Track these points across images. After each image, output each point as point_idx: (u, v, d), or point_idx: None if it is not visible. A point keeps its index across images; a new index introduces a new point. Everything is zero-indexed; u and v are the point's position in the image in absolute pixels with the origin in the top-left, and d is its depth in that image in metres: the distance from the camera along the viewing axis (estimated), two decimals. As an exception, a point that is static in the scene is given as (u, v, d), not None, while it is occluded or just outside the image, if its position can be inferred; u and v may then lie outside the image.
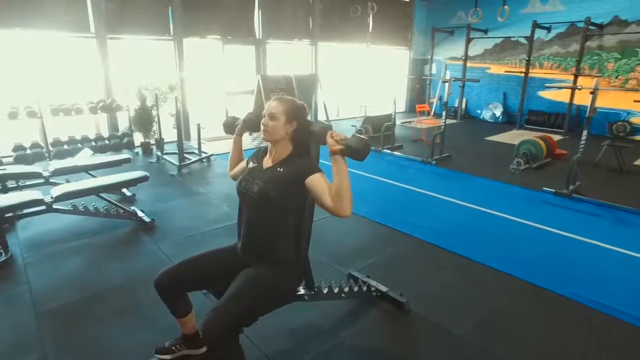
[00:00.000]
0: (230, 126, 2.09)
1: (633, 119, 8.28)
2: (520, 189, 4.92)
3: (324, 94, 8.54)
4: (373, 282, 2.61)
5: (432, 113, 8.76)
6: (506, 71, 9.56)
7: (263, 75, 7.27)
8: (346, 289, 2.40)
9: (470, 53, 10.21)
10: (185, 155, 5.43)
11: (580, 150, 4.70)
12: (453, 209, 4.22)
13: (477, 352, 2.15)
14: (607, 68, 8.49)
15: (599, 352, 2.19)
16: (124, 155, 4.26)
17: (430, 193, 4.67)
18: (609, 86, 8.41)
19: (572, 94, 8.46)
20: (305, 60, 9.04)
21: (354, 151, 1.51)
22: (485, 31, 9.90)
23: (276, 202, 1.65)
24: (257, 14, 7.53)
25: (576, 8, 8.48)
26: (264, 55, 7.79)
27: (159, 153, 5.63)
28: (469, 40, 9.88)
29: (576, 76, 8.42)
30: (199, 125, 5.58)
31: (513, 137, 8.11)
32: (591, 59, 8.58)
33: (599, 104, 8.39)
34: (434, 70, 11.16)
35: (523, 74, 9.07)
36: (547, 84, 8.00)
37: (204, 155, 5.65)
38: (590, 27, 8.16)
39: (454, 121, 9.68)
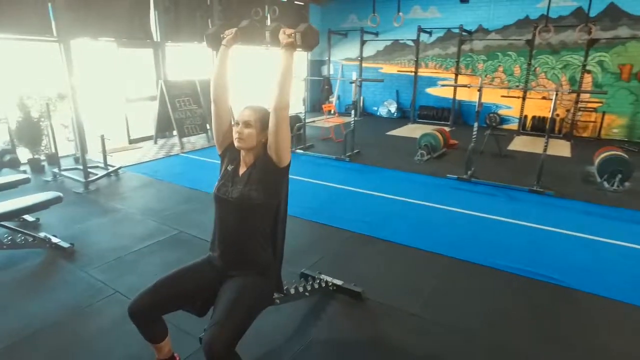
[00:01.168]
0: (215, 38, 1.86)
1: (501, 111, 9.75)
2: (428, 177, 5.49)
3: (232, 97, 8.40)
4: (328, 278, 2.73)
5: (336, 112, 9.20)
6: (399, 70, 10.47)
7: (166, 81, 6.87)
8: (309, 287, 2.48)
9: (364, 54, 10.94)
10: (89, 170, 4.91)
11: (474, 140, 5.43)
12: (375, 201, 4.55)
13: (434, 325, 2.42)
14: (478, 68, 9.84)
15: (517, 304, 2.64)
16: (21, 175, 3.69)
17: (351, 188, 4.96)
18: (481, 83, 9.75)
19: (455, 91, 9.62)
20: (209, 63, 8.77)
21: (305, 35, 1.57)
22: (377, 34, 10.69)
23: (258, 203, 1.67)
24: (153, 15, 7.07)
25: (451, 16, 9.65)
26: (164, 59, 7.36)
27: (56, 170, 4.99)
28: (363, 43, 10.56)
29: (457, 75, 9.60)
30: (102, 136, 5.08)
31: (410, 130, 8.95)
32: (466, 60, 9.85)
33: (474, 98, 9.68)
34: (331, 71, 11.70)
35: (413, 73, 10.04)
36: (441, 82, 9.01)
37: (111, 168, 5.17)
38: (463, 33, 9.38)
39: (355, 118, 10.28)
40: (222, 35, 1.82)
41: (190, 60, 8.36)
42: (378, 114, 11.30)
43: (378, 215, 4.11)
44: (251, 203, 1.66)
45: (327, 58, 11.56)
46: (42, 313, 2.47)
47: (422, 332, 2.36)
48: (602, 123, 8.82)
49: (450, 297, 2.74)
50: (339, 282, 2.70)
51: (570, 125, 8.83)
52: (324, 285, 2.66)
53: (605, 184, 5.21)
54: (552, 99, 4.86)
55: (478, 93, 5.45)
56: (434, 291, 2.80)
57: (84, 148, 5.05)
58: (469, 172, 5.32)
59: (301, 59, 11.63)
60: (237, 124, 1.71)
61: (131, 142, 6.87)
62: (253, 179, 1.70)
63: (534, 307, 2.65)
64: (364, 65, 11.02)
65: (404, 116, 10.91)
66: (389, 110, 11.10)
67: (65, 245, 3.18)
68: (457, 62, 9.61)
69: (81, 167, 4.77)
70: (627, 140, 8.48)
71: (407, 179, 5.44)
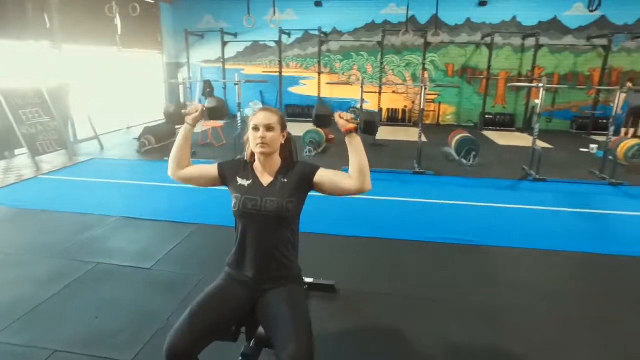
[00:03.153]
0: (175, 115, 1.76)
1: (359, 105, 10.77)
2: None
3: (87, 106, 7.23)
4: (299, 278, 2.70)
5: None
6: (264, 71, 10.56)
7: (4, 89, 5.52)
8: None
9: (224, 55, 10.70)
10: None
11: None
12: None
13: (405, 299, 2.65)
14: (336, 66, 10.67)
15: (447, 267, 3.09)
16: None
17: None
18: (339, 80, 10.60)
19: (319, 88, 10.22)
20: (53, 67, 7.34)
21: (369, 123, 1.62)
22: (235, 35, 10.57)
23: (292, 214, 1.61)
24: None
25: (306, 18, 10.20)
26: (-11, 61, 5.90)
27: None
28: (224, 44, 10.31)
29: (319, 74, 10.21)
30: None
31: (285, 129, 9.19)
32: (324, 60, 10.55)
33: (335, 95, 10.48)
34: (190, 73, 11.09)
35: (277, 73, 10.27)
36: (327, 82, 9.47)
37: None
38: (321, 34, 10.03)
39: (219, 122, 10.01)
40: (183, 111, 1.74)
41: (29, 63, 6.89)
42: (244, 115, 11.19)
43: (306, 212, 4.16)
44: (288, 214, 1.58)
45: (184, 60, 10.92)
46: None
47: (399, 306, 2.57)
48: (439, 111, 10.58)
49: (405, 272, 3.02)
50: (309, 280, 2.70)
51: (418, 114, 10.35)
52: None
53: (464, 161, 6.34)
54: (401, 93, 5.71)
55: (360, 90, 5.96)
56: (392, 269, 3.05)
57: None
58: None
59: (157, 61, 10.72)
60: (257, 128, 1.59)
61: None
62: (287, 190, 1.60)
63: (468, 264, 3.14)
64: (226, 66, 10.78)
65: (274, 116, 11.09)
66: (254, 111, 11.14)
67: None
68: (319, 61, 10.23)
69: None
70: (456, 125, 10.36)
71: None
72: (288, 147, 1.72)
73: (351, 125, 1.58)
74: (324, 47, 10.41)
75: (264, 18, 10.30)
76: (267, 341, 1.52)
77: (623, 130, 8.79)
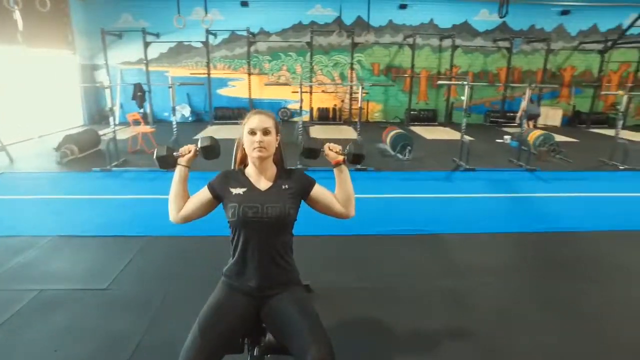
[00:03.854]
0: (167, 159, 1.63)
1: (290, 106, 10.82)
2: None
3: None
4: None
5: (142, 121, 8.24)
6: (191, 73, 10.12)
7: None
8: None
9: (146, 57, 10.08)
10: None
11: (300, 133, 5.97)
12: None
13: (375, 291, 2.76)
14: (265, 67, 10.59)
15: (406, 257, 3.28)
16: None
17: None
18: (270, 81, 10.55)
19: (250, 90, 10.06)
20: None
21: (357, 156, 1.64)
22: (157, 35, 10.00)
23: (293, 219, 1.60)
24: None
25: (233, 18, 9.97)
26: None
27: None
28: (147, 44, 9.70)
29: (249, 75, 10.05)
30: None
31: (215, 131, 8.92)
32: (253, 60, 10.42)
33: (265, 96, 10.43)
34: (107, 76, 10.27)
35: (206, 75, 9.92)
36: (266, 83, 9.31)
37: None
38: (250, 35, 9.89)
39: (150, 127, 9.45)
40: (175, 154, 1.65)
41: None
42: (171, 119, 10.64)
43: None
44: (290, 219, 1.57)
45: (101, 62, 10.08)
46: None
47: (370, 293, 2.66)
48: (367, 109, 11.00)
49: (368, 265, 3.13)
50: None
51: (349, 112, 10.67)
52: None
53: (400, 156, 6.68)
54: (331, 92, 5.87)
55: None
56: (353, 264, 3.15)
57: None
58: (298, 163, 5.88)
59: (70, 63, 9.75)
60: (254, 132, 1.55)
61: None
62: (288, 196, 1.58)
63: (423, 252, 3.34)
64: (148, 69, 10.16)
65: (199, 119, 10.69)
66: (183, 115, 10.66)
67: None
68: (249, 62, 10.07)
69: None
70: (385, 121, 10.86)
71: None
72: (279, 152, 1.70)
73: (341, 158, 1.63)
74: (252, 48, 10.28)
75: (187, 18, 9.92)
76: (279, 348, 1.50)
77: (525, 122, 9.90)
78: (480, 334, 2.34)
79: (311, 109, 10.59)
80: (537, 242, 3.66)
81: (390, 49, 10.67)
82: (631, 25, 9.97)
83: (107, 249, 3.33)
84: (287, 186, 1.61)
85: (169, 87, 5.83)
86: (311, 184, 1.64)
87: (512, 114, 10.55)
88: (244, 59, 10.30)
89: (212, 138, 1.68)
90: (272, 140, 1.58)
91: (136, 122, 7.27)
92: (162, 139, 7.24)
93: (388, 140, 7.17)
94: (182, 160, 1.63)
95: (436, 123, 10.87)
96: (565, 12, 10.56)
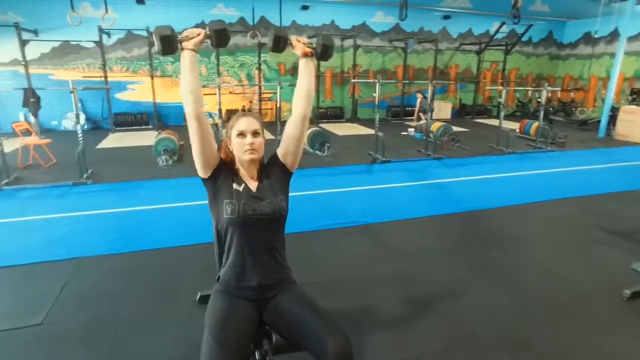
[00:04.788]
0: (171, 40, 1.45)
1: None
2: (191, 179, 5.46)
3: None
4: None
5: (34, 132, 7.22)
6: (84, 76, 9.13)
7: None
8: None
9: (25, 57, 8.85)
10: None
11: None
12: (185, 212, 4.28)
13: (329, 284, 2.90)
14: (168, 69, 10.03)
15: (348, 248, 3.50)
16: None
17: (138, 207, 4.39)
18: (173, 85, 10.03)
19: (154, 94, 9.44)
20: None
21: (326, 47, 1.62)
22: (36, 32, 8.83)
23: (286, 212, 1.63)
24: None
25: (128, 17, 9.23)
26: None
27: None
28: (24, 43, 8.50)
29: (152, 77, 9.42)
30: None
31: (117, 140, 8.26)
32: (155, 62, 9.78)
33: (170, 100, 9.95)
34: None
35: (103, 79, 9.05)
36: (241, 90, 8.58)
37: None
38: (150, 35, 9.24)
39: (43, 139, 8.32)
40: (180, 37, 1.49)
41: None
42: (62, 128, 9.55)
43: (197, 224, 3.95)
44: (282, 214, 1.60)
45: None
46: None
47: (341, 284, 2.80)
48: (276, 109, 11.08)
49: (315, 259, 3.26)
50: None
51: (258, 113, 10.62)
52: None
53: (319, 153, 6.91)
54: (238, 93, 5.84)
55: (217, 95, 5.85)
56: (321, 257, 3.29)
57: None
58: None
59: None
60: (244, 135, 1.56)
61: None
62: (276, 189, 1.62)
63: (361, 242, 3.58)
64: (28, 71, 8.93)
65: (96, 127, 9.74)
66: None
67: None
68: (151, 64, 9.44)
69: None
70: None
71: (176, 186, 5.26)
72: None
73: (309, 49, 1.62)
74: (153, 49, 9.63)
75: (73, 13, 8.94)
76: (289, 347, 1.53)
77: (422, 115, 10.95)
78: (432, 306, 2.62)
79: (220, 111, 10.31)
80: (456, 221, 4.14)
81: (296, 49, 10.88)
82: (497, 32, 11.64)
83: (31, 278, 2.94)
84: (271, 179, 1.65)
85: (70, 92, 5.22)
86: (275, 154, 1.69)
87: (410, 108, 11.57)
88: (144, 60, 9.63)
89: (220, 22, 1.56)
90: (262, 142, 1.61)
91: (25, 133, 6.38)
92: (62, 151, 6.50)
93: (305, 138, 7.36)
94: (188, 44, 1.49)
95: (343, 120, 11.39)
96: (446, 17, 11.84)
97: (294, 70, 11.02)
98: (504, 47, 12.45)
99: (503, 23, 11.29)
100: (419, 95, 10.73)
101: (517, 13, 7.65)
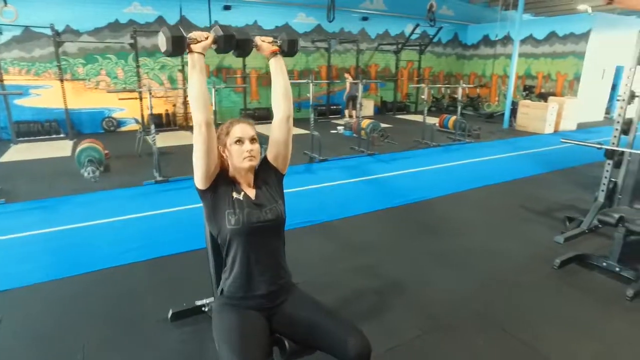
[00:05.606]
0: (182, 42, 1.39)
1: (116, 114, 9.68)
2: (124, 190, 5.11)
3: None
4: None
5: None
6: (-26, 81, 7.94)
7: None
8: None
9: None
10: None
11: (154, 143, 5.50)
12: (116, 229, 3.96)
13: (301, 285, 2.92)
14: (78, 72, 9.15)
15: (309, 247, 3.57)
16: None
17: (73, 226, 3.96)
18: (86, 89, 9.19)
19: (65, 99, 8.53)
20: None
21: (292, 43, 1.62)
22: None
23: (285, 216, 1.63)
24: None
25: (25, 12, 8.22)
26: None
27: None
28: None
29: (62, 80, 8.50)
30: None
31: (23, 152, 7.39)
32: (63, 64, 8.85)
33: (84, 105, 9.15)
34: None
35: (-2, 83, 7.97)
36: (120, 97, 7.70)
37: None
38: (55, 33, 8.33)
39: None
40: (189, 39, 1.43)
41: None
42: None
43: (143, 238, 3.69)
44: (284, 218, 1.60)
45: None
46: None
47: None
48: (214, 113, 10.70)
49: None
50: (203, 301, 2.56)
51: (184, 117, 10.19)
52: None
53: (257, 155, 6.83)
54: (160, 97, 5.62)
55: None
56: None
57: None
58: (162, 174, 5.46)
59: None
60: (242, 141, 1.53)
61: None
62: (274, 195, 1.61)
63: (321, 241, 3.66)
64: None
65: (-10, 138, 8.57)
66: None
67: None
68: (59, 66, 8.51)
69: None
70: (220, 124, 10.73)
71: (116, 197, 4.85)
72: None
73: (276, 47, 1.62)
74: (60, 49, 8.70)
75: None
76: (302, 352, 1.54)
77: (347, 111, 11.37)
78: (401, 296, 2.78)
79: (142, 116, 9.69)
80: (401, 213, 4.39)
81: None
82: (412, 33, 12.47)
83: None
84: (266, 184, 1.64)
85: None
86: (265, 159, 1.67)
87: (335, 107, 11.92)
88: (49, 62, 8.66)
89: (226, 27, 1.50)
90: (259, 148, 1.58)
91: None
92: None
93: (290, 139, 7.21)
94: (197, 47, 1.43)
95: (270, 121, 11.32)
96: (365, 19, 12.37)
97: (217, 72, 10.72)
98: (418, 48, 13.35)
99: (417, 25, 12.13)
100: (348, 76, 10.99)
101: (432, 16, 8.26)
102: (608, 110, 13.11)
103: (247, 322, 1.48)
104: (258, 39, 1.60)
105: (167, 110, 10.28)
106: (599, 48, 11.83)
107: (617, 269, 3.03)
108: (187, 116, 10.24)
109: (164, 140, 8.42)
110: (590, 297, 2.79)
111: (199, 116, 1.43)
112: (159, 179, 5.42)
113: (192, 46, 1.43)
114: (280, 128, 1.62)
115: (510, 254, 3.42)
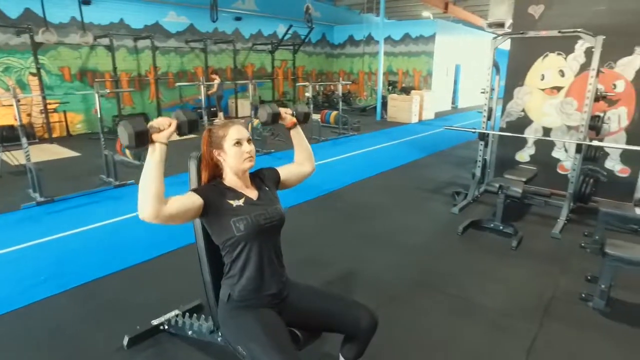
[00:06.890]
0: (145, 136, 1.31)
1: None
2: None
3: None
4: (163, 317, 2.42)
5: None
6: None
7: None
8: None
9: None
10: None
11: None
12: (9, 262, 3.36)
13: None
14: None
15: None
16: None
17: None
18: None
19: None
20: None
21: (306, 115, 1.88)
22: None
23: (285, 217, 1.69)
24: None
25: None
26: None
27: None
28: None
29: None
30: None
31: None
32: None
33: None
34: None
35: None
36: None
37: None
38: None
39: None
40: (151, 129, 1.36)
41: None
42: None
43: (58, 265, 3.22)
44: (284, 218, 1.65)
45: None
46: None
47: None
48: (66, 121, 9.42)
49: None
50: (175, 312, 2.47)
51: (44, 128, 8.82)
52: (174, 322, 2.38)
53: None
54: (8, 106, 4.92)
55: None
56: None
57: None
58: (43, 194, 4.78)
59: None
60: (240, 143, 1.55)
61: None
62: (275, 196, 1.68)
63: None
64: None
65: None
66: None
67: None
68: None
69: None
70: (91, 132, 9.62)
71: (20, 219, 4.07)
72: None
73: (294, 120, 1.81)
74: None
75: None
76: (311, 339, 1.68)
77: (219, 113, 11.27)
78: (352, 279, 3.06)
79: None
80: (321, 204, 4.69)
81: (81, 51, 9.41)
82: (286, 33, 12.90)
83: None
84: (268, 187, 1.70)
85: None
86: (276, 172, 1.77)
87: (214, 109, 11.70)
88: None
89: (188, 112, 1.47)
90: (254, 147, 1.63)
91: None
92: None
93: (128, 150, 6.64)
94: (160, 137, 1.35)
95: (151, 126, 10.56)
96: (238, 19, 12.32)
97: (82, 76, 9.53)
98: (291, 47, 13.84)
99: (290, 26, 12.58)
100: (215, 78, 10.58)
101: (310, 18, 8.73)
102: (453, 101, 15.58)
103: (268, 319, 1.53)
104: (282, 112, 1.77)
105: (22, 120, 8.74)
106: (443, 49, 13.96)
107: (501, 227, 3.81)
108: (50, 126, 8.88)
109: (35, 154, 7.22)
110: (488, 251, 3.47)
111: (146, 211, 1.31)
112: (40, 199, 4.70)
113: (154, 136, 1.35)
114: (299, 174, 1.83)
115: (421, 228, 3.99)
